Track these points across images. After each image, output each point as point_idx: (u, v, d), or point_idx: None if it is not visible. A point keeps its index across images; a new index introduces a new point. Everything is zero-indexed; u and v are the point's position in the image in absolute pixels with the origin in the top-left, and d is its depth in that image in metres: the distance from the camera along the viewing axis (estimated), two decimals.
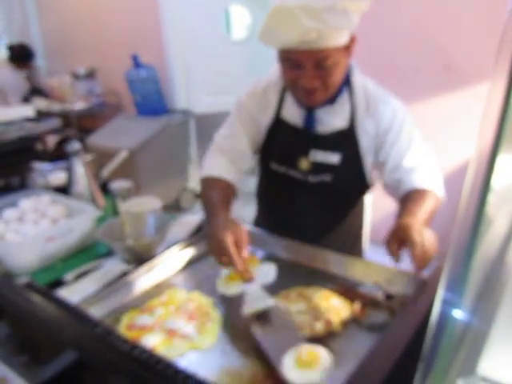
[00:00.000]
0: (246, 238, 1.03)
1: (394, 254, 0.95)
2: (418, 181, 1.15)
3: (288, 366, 0.81)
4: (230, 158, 1.30)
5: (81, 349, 0.63)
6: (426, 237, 0.92)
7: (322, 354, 0.83)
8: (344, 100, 1.22)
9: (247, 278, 1.01)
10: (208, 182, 1.25)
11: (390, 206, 1.29)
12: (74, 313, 0.72)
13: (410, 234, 0.92)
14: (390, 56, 2.67)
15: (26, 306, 0.76)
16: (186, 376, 0.57)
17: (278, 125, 1.28)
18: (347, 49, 1.11)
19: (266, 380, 0.83)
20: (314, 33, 1.00)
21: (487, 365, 0.44)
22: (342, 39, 1.07)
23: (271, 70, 1.32)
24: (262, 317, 0.94)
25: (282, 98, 1.28)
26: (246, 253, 1.01)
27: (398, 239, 0.95)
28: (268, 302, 0.95)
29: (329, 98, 1.19)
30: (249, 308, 0.95)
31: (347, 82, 1.22)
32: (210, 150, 1.35)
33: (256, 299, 0.96)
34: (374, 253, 1.39)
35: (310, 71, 1.08)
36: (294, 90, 1.17)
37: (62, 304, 0.76)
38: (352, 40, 1.11)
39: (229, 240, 0.99)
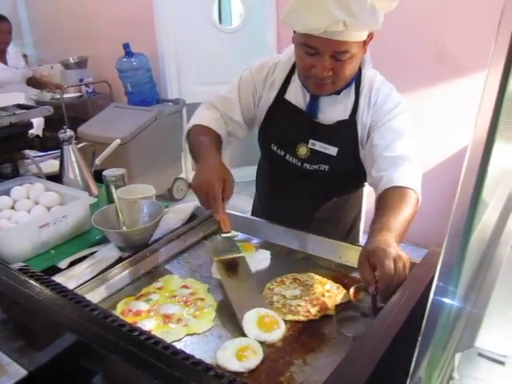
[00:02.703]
0: (232, 186, 1.04)
1: (369, 283, 0.86)
2: (400, 178, 1.07)
3: (249, 322, 0.91)
4: (222, 116, 1.32)
5: (79, 331, 0.63)
6: (398, 265, 0.84)
7: (280, 322, 0.92)
8: (350, 92, 1.22)
9: (225, 229, 1.03)
10: (198, 129, 1.27)
11: None
12: (71, 296, 0.72)
13: (382, 263, 0.84)
14: (384, 47, 2.66)
15: (22, 289, 0.76)
16: (186, 356, 0.57)
17: (281, 104, 1.27)
18: (364, 44, 1.12)
19: (261, 364, 0.84)
20: (341, 24, 0.99)
21: (483, 340, 0.45)
22: (363, 35, 1.07)
23: (285, 50, 1.30)
24: (231, 266, 1.02)
25: (288, 78, 1.27)
26: (226, 203, 1.04)
27: (371, 264, 0.87)
28: (238, 252, 1.03)
29: (336, 89, 1.19)
30: (218, 253, 1.03)
31: (358, 75, 1.22)
32: (202, 103, 1.38)
33: (227, 248, 1.04)
34: None
35: (325, 61, 1.08)
36: (306, 76, 1.16)
37: (58, 288, 0.76)
38: (370, 36, 1.11)
39: (216, 185, 1.00)
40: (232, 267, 1.02)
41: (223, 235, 1.04)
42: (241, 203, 2.10)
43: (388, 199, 1.04)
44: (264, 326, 0.90)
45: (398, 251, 0.86)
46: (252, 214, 1.53)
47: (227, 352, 0.85)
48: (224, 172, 1.06)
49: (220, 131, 1.29)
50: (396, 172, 1.08)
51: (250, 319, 0.92)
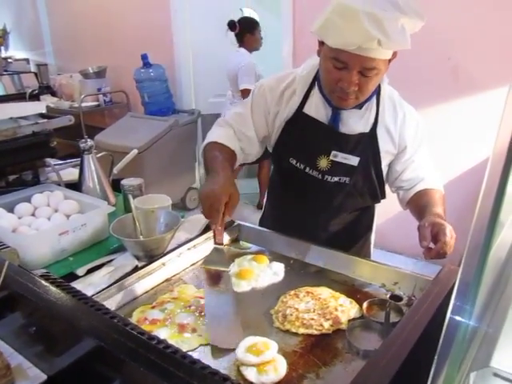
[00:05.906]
0: (236, 202, 1.06)
1: (426, 240, 1.03)
2: (430, 183, 1.30)
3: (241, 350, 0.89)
4: (235, 133, 1.34)
5: (100, 337, 0.65)
6: (452, 240, 1.03)
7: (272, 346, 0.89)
8: (371, 106, 1.27)
9: (218, 241, 1.08)
10: (212, 146, 1.29)
11: (391, 212, 1.31)
12: (91, 303, 0.73)
13: (444, 233, 1.03)
14: (399, 62, 2.68)
15: (44, 295, 0.78)
16: (203, 366, 0.58)
17: (300, 118, 1.29)
18: (389, 62, 1.15)
19: None
20: (375, 42, 1.03)
21: (499, 359, 0.46)
22: (390, 53, 1.12)
23: (304, 65, 1.32)
24: (215, 278, 1.05)
25: (308, 92, 1.28)
26: (227, 217, 1.08)
27: (432, 230, 1.04)
28: (225, 266, 1.07)
29: (358, 103, 1.22)
30: (207, 263, 1.07)
31: (378, 90, 1.26)
32: (216, 122, 1.39)
33: (217, 259, 1.07)
34: (377, 257, 1.39)
35: (353, 76, 1.11)
36: (331, 90, 1.19)
37: (78, 295, 0.78)
38: (394, 54, 1.14)
39: (222, 198, 1.02)
40: (216, 279, 1.06)
41: (215, 246, 1.08)
42: (246, 213, 2.12)
43: (427, 194, 1.26)
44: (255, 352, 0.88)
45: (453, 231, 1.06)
46: (260, 225, 1.54)
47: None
48: (231, 187, 1.07)
49: (234, 147, 1.30)
50: (428, 180, 1.31)
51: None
